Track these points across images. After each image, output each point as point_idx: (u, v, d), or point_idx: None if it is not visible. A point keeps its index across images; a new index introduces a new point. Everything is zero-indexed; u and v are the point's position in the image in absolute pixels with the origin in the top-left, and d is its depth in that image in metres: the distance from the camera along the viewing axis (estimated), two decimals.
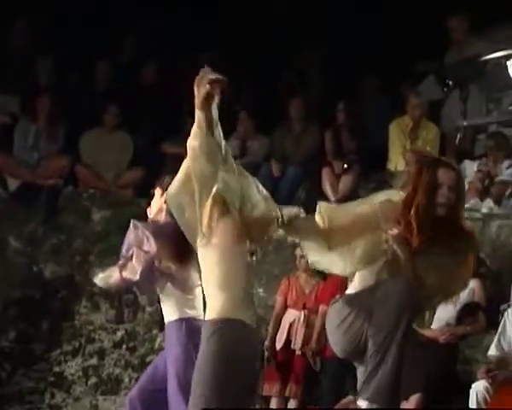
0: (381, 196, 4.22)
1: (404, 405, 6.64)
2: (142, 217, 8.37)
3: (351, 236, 4.08)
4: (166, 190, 4.99)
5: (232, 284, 3.91)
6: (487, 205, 8.15)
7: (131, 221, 4.94)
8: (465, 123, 7.95)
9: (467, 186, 8.48)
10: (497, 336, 6.31)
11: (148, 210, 5.40)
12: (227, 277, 3.91)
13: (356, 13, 9.84)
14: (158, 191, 5.40)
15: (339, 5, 9.88)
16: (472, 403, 6.18)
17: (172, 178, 4.43)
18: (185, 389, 4.67)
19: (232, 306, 3.88)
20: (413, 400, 6.61)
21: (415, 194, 4.08)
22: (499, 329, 6.32)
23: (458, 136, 8.32)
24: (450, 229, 4.07)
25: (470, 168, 8.54)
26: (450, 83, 8.30)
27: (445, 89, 8.56)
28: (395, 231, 4.02)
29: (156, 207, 5.34)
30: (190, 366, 4.38)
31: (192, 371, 4.02)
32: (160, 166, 9.14)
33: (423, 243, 4.01)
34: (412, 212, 4.03)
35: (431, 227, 4.04)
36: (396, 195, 4.23)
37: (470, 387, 6.35)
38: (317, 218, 4.11)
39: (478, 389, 6.13)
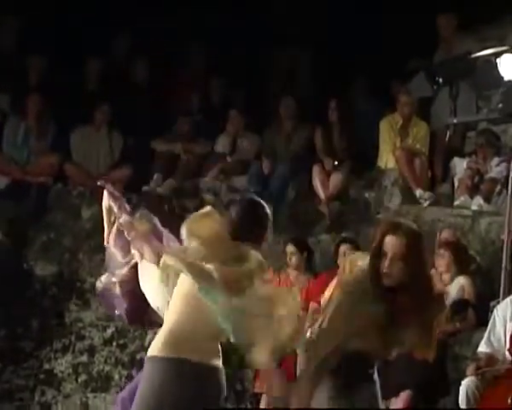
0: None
1: (394, 402, 6.67)
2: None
3: None
4: None
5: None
6: (477, 202, 8.17)
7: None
8: (455, 120, 7.94)
9: (456, 183, 8.53)
10: (486, 333, 6.32)
11: None
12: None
13: (347, 12, 9.84)
14: None
15: (330, 4, 9.89)
16: (462, 400, 6.18)
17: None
18: None
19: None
20: (403, 396, 6.63)
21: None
22: (489, 326, 6.33)
23: (448, 133, 8.32)
24: (413, 298, 3.85)
25: (460, 166, 8.56)
26: (440, 80, 8.29)
27: (435, 86, 8.56)
28: None
29: None
30: None
31: None
32: (149, 164, 9.15)
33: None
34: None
35: (386, 298, 3.85)
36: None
37: (460, 384, 6.36)
38: None
39: (468, 385, 6.13)
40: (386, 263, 3.84)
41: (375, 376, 4.18)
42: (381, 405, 4.32)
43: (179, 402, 3.89)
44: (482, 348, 6.32)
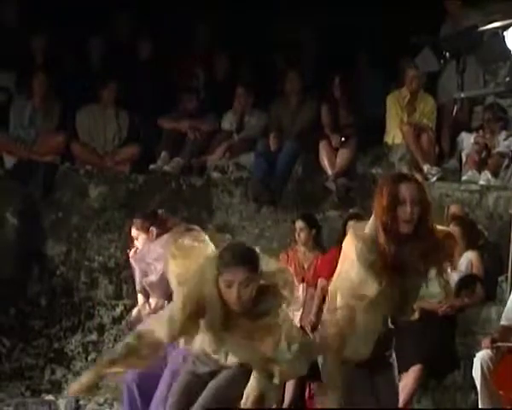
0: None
1: (403, 377, 6.68)
2: (139, 193, 8.45)
3: None
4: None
5: None
6: (484, 177, 8.15)
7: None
8: (462, 95, 7.91)
9: (464, 158, 8.51)
10: (507, 307, 6.31)
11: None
12: None
13: None
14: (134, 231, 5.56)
15: None
16: (476, 372, 6.20)
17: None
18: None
19: None
20: (412, 371, 6.65)
21: (376, 216, 3.99)
22: (509, 300, 6.33)
23: (455, 108, 8.29)
24: (425, 243, 3.98)
25: (467, 140, 8.54)
26: (447, 55, 8.25)
27: (442, 61, 8.52)
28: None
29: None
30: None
31: None
32: (156, 142, 9.14)
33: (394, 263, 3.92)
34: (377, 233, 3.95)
35: (400, 244, 3.94)
36: (358, 228, 4.12)
37: (468, 358, 6.38)
38: None
39: (482, 358, 6.15)
40: (407, 209, 3.93)
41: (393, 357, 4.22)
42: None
43: None
44: (503, 321, 6.33)
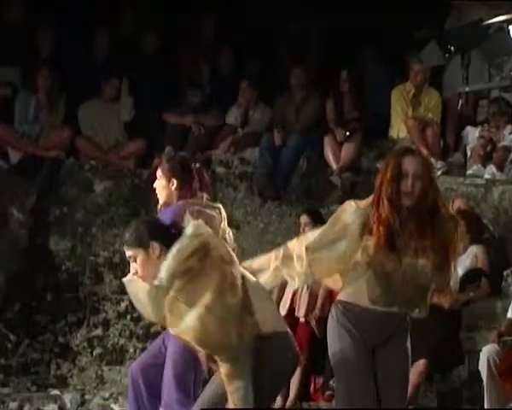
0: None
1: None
2: (143, 188, 8.43)
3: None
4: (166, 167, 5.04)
5: None
6: (490, 171, 8.14)
7: None
8: (467, 89, 7.91)
9: (469, 152, 8.50)
10: None
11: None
12: None
13: None
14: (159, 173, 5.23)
15: None
16: (482, 366, 6.20)
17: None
18: (179, 377, 4.77)
19: None
20: (417, 366, 6.64)
21: (380, 188, 4.05)
22: None
23: (460, 102, 8.30)
24: (428, 218, 4.02)
25: (472, 134, 8.53)
26: (452, 49, 8.25)
27: (447, 55, 8.51)
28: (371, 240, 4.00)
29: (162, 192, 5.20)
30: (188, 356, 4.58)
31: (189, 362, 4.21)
32: (160, 137, 9.14)
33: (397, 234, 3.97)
34: (380, 205, 4.00)
35: (403, 218, 4.00)
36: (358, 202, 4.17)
37: (473, 353, 6.38)
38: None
39: (489, 352, 6.16)
40: (409, 182, 4.01)
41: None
42: None
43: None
44: (510, 315, 6.34)
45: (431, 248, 4.02)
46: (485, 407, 6.24)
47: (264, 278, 4.19)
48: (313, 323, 7.11)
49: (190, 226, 4.06)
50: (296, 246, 4.18)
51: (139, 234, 4.10)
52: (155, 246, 4.06)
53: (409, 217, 4.03)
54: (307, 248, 4.11)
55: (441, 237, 4.05)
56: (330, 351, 4.22)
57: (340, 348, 4.14)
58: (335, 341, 4.17)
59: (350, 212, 4.11)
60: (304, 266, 4.08)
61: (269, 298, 4.32)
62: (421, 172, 4.03)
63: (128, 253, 4.15)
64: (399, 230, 3.99)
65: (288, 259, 4.15)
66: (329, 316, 4.26)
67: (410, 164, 4.04)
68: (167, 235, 4.07)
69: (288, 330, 4.30)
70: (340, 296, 4.23)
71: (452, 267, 4.16)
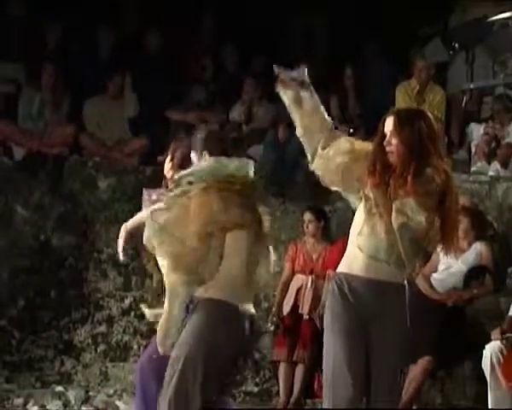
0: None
1: (412, 368, 6.68)
2: (147, 185, 8.41)
3: None
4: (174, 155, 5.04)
5: None
6: (494, 168, 8.13)
7: None
8: (471, 85, 7.91)
9: (473, 149, 8.49)
10: None
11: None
12: None
13: None
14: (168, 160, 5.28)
15: None
16: (485, 363, 6.20)
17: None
18: None
19: None
20: (421, 363, 6.64)
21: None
22: None
23: (464, 99, 8.29)
24: (415, 174, 4.07)
25: (477, 131, 8.52)
26: (456, 45, 8.25)
27: (451, 51, 8.52)
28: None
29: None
30: None
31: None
32: (164, 134, 9.14)
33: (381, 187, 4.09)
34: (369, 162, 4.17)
35: (388, 173, 4.10)
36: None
37: (477, 350, 6.37)
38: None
39: (492, 349, 6.15)
40: (387, 139, 4.17)
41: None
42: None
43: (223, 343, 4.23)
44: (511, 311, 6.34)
45: (410, 193, 4.05)
46: (489, 404, 6.24)
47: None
48: (317, 320, 7.10)
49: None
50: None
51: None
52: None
53: (395, 170, 4.12)
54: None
55: (421, 182, 4.07)
56: (325, 322, 4.27)
57: (332, 318, 4.18)
58: (329, 314, 4.20)
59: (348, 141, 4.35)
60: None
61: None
62: (397, 129, 4.15)
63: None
64: (389, 182, 4.10)
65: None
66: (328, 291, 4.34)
67: (386, 124, 4.20)
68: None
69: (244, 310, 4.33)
70: (338, 269, 4.28)
71: (451, 218, 4.14)
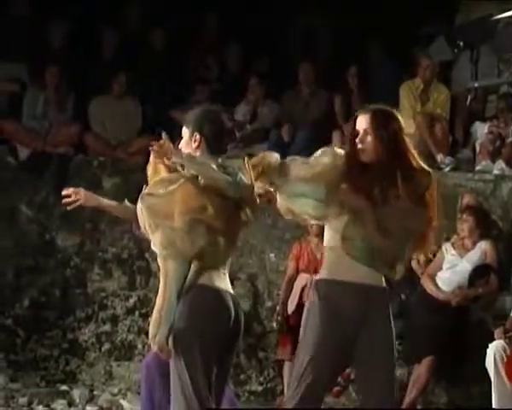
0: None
1: (416, 368, 6.68)
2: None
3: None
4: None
5: None
6: (498, 167, 8.12)
7: None
8: (476, 84, 7.89)
9: (478, 148, 8.48)
10: None
11: None
12: None
13: None
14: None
15: None
16: (489, 363, 6.19)
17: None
18: None
19: None
20: (425, 363, 6.64)
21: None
22: None
23: (469, 97, 8.26)
24: (395, 174, 4.04)
25: (481, 130, 8.51)
26: (461, 44, 8.23)
27: (456, 50, 8.50)
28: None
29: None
30: None
31: None
32: (169, 133, 9.13)
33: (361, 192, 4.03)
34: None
35: (365, 175, 4.05)
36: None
37: (482, 349, 6.37)
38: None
39: (495, 348, 6.14)
40: (360, 138, 4.12)
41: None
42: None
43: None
44: None
45: (403, 197, 4.02)
46: (493, 403, 6.23)
47: None
48: None
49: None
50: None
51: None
52: (198, 138, 4.52)
53: (374, 171, 4.07)
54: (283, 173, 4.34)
55: (412, 187, 4.04)
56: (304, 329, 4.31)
57: (314, 325, 4.21)
58: (312, 321, 4.22)
59: (330, 154, 4.22)
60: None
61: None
62: (369, 127, 4.11)
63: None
64: (367, 184, 4.04)
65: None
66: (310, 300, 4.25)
67: (360, 121, 4.15)
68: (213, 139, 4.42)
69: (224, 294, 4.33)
70: (320, 275, 4.21)
71: (430, 215, 4.08)
